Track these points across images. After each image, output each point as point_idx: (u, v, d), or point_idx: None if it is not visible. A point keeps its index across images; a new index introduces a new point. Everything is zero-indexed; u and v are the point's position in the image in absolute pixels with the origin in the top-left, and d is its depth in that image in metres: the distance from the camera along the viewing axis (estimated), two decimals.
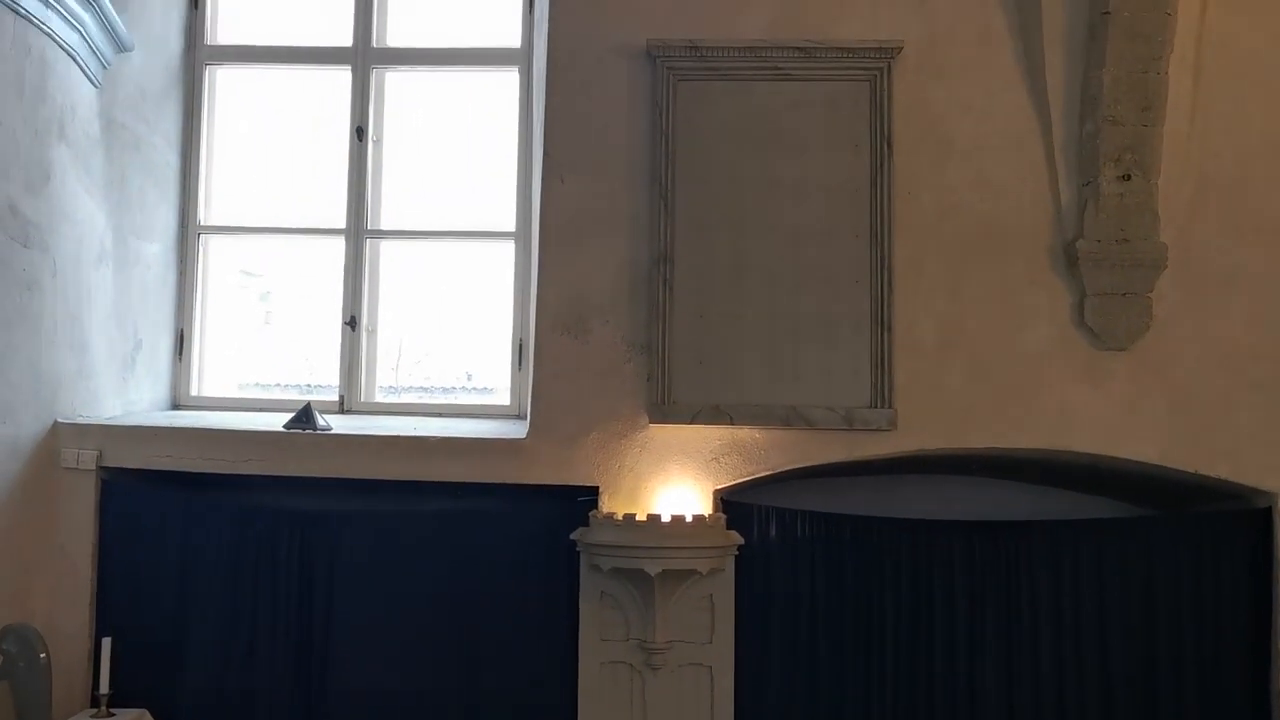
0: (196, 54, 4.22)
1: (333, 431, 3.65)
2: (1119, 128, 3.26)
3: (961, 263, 3.43)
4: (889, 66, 3.44)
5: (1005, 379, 3.40)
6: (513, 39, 4.19)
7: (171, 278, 4.16)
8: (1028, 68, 3.42)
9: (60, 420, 3.54)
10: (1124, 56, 3.23)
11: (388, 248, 4.24)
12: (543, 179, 3.59)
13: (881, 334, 3.39)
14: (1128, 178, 3.29)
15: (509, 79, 4.20)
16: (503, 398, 4.13)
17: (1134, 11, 3.19)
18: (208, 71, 4.24)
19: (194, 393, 4.19)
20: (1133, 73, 3.23)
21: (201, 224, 4.23)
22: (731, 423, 3.42)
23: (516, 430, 3.65)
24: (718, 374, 3.43)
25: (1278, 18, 3.40)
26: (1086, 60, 3.31)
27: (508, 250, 4.14)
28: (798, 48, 3.45)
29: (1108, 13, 3.21)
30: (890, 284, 3.39)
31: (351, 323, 4.12)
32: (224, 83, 4.31)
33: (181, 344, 4.17)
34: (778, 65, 3.47)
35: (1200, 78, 3.35)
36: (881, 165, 3.43)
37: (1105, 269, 3.32)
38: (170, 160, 4.13)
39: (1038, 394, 3.39)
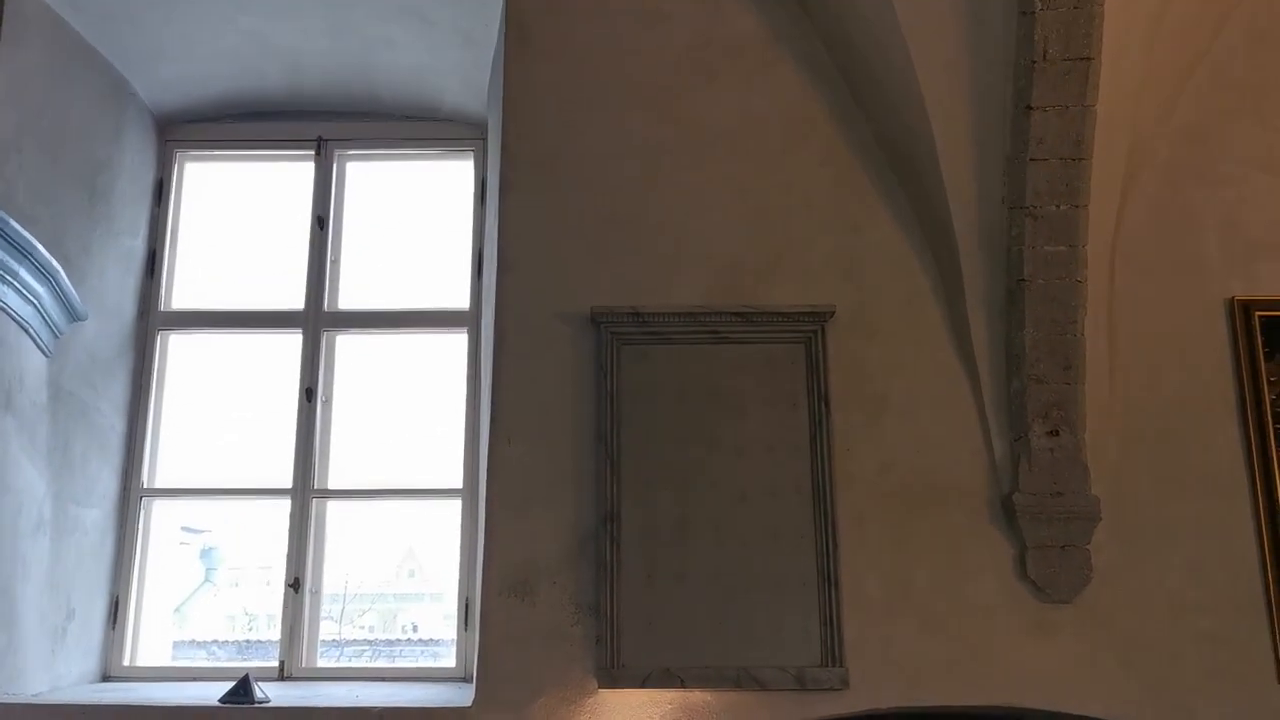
0: (150, 320, 4.32)
1: (270, 705, 3.51)
2: (1043, 385, 3.41)
3: (904, 517, 3.49)
4: (822, 329, 3.59)
5: (954, 634, 3.39)
6: (462, 301, 4.35)
7: (109, 543, 4.09)
8: (954, 328, 3.59)
9: None
10: (1041, 320, 3.41)
11: (335, 507, 4.23)
12: (489, 440, 3.64)
13: (829, 591, 3.39)
14: (1056, 433, 3.41)
15: (458, 340, 4.33)
16: (448, 658, 4.04)
17: (1048, 279, 3.40)
18: (160, 337, 4.33)
19: (126, 662, 4.05)
20: (1051, 334, 3.40)
21: (144, 487, 4.20)
22: (683, 686, 3.36)
23: (462, 697, 3.54)
24: (667, 635, 3.39)
25: (1180, 278, 3.63)
26: (1008, 322, 3.48)
27: (455, 509, 4.14)
28: (735, 312, 3.60)
29: (1024, 279, 3.41)
30: (835, 540, 3.42)
31: (295, 585, 4.05)
32: (175, 346, 4.39)
33: (115, 612, 4.06)
34: (716, 329, 3.61)
35: (1115, 338, 3.54)
36: (820, 423, 3.53)
37: (1043, 522, 3.39)
38: (116, 425, 4.14)
39: (987, 649, 3.38)
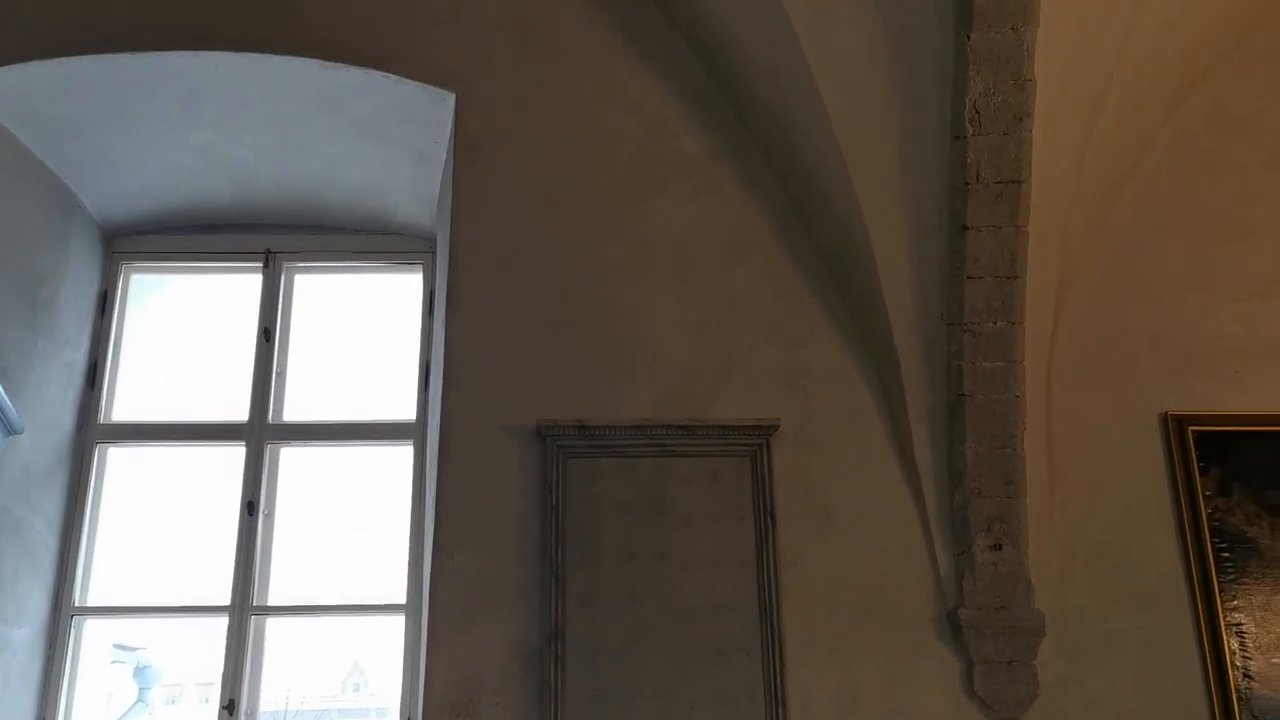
0: (88, 433, 4.25)
1: None
2: (985, 500, 3.44)
3: (852, 632, 3.47)
4: (768, 442, 3.61)
5: None
6: (409, 413, 4.32)
7: (38, 663, 3.95)
8: (897, 442, 3.63)
9: None
10: (982, 434, 3.46)
11: (276, 623, 4.13)
12: (432, 554, 3.59)
13: (777, 710, 3.34)
14: (999, 547, 3.43)
15: (404, 452, 4.29)
16: None
17: (987, 394, 3.45)
18: (98, 450, 4.26)
19: None
20: (991, 449, 3.45)
21: (75, 605, 4.08)
22: None
23: None
24: None
25: (1115, 393, 3.71)
26: (950, 436, 3.52)
27: (399, 624, 4.06)
28: (681, 426, 3.62)
29: (964, 394, 3.46)
30: (782, 657, 3.39)
31: (230, 707, 3.92)
32: (114, 459, 4.32)
33: None
34: (662, 442, 3.61)
35: (1054, 452, 3.59)
36: (766, 537, 3.52)
37: (988, 637, 3.39)
38: (49, 542, 4.04)
39: None
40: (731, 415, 3.64)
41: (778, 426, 3.62)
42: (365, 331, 4.56)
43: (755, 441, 3.62)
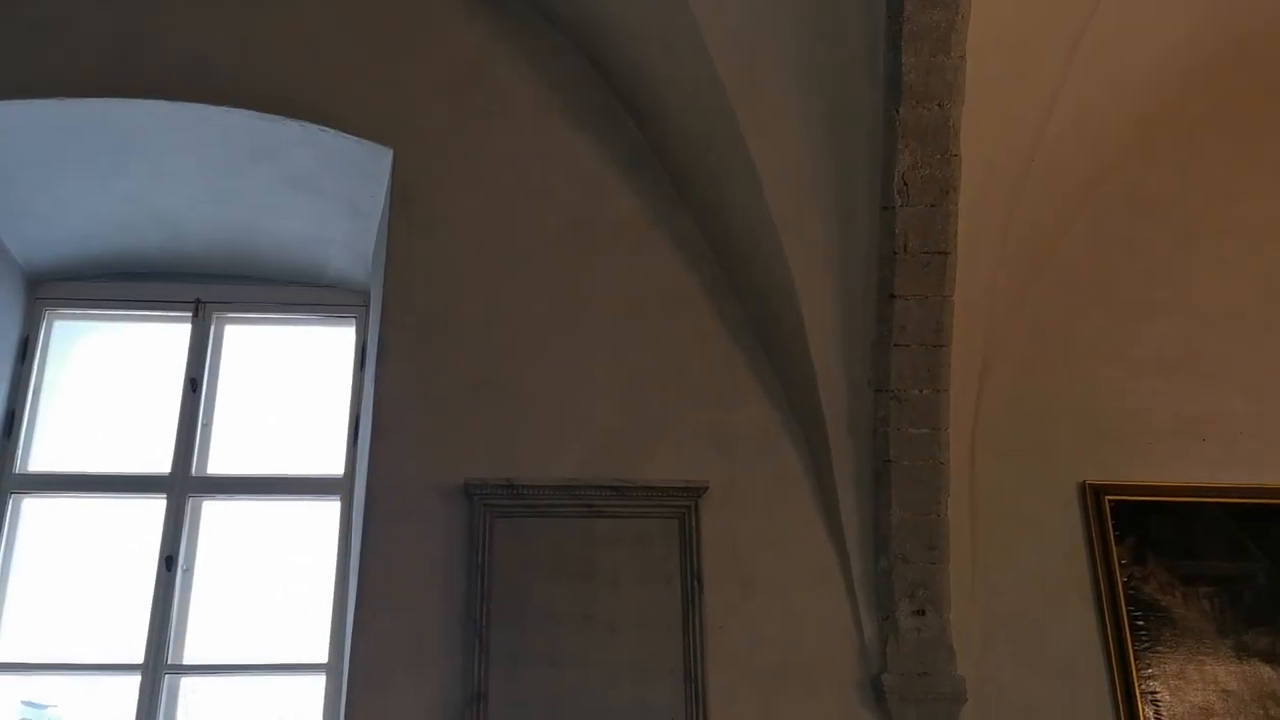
0: (3, 483, 4.13)
1: None
2: (909, 565, 3.48)
3: (776, 698, 3.46)
4: (696, 505, 3.62)
5: None
6: (337, 468, 4.27)
7: None
8: (824, 507, 3.66)
9: None
10: (907, 500, 3.50)
11: (191, 684, 4.01)
12: (354, 612, 3.53)
13: None
14: (922, 613, 3.46)
15: (331, 508, 4.23)
16: None
17: (912, 460, 3.51)
18: (12, 500, 4.14)
19: None
20: (916, 515, 3.49)
21: None
22: None
23: None
24: None
25: (1035, 462, 3.79)
26: (876, 502, 3.56)
27: (319, 684, 3.97)
28: (610, 486, 3.61)
29: (889, 460, 3.51)
30: None
31: None
32: (29, 511, 4.20)
33: None
34: (591, 502, 3.61)
35: (976, 520, 3.65)
36: (693, 600, 3.52)
37: (910, 703, 3.40)
38: None
39: None
40: (661, 477, 3.65)
41: (707, 488, 3.64)
42: (295, 384, 4.50)
43: (684, 503, 3.63)
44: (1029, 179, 3.61)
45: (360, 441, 4.09)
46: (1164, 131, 4.21)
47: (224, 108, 3.88)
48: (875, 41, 3.24)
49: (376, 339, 3.86)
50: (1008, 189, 3.56)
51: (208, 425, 4.31)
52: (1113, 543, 3.64)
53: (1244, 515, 3.69)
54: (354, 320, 4.54)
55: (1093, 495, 3.70)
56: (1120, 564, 3.62)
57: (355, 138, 3.95)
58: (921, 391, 3.50)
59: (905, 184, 3.34)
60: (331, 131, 3.95)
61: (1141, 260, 4.09)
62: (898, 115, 3.26)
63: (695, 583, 3.54)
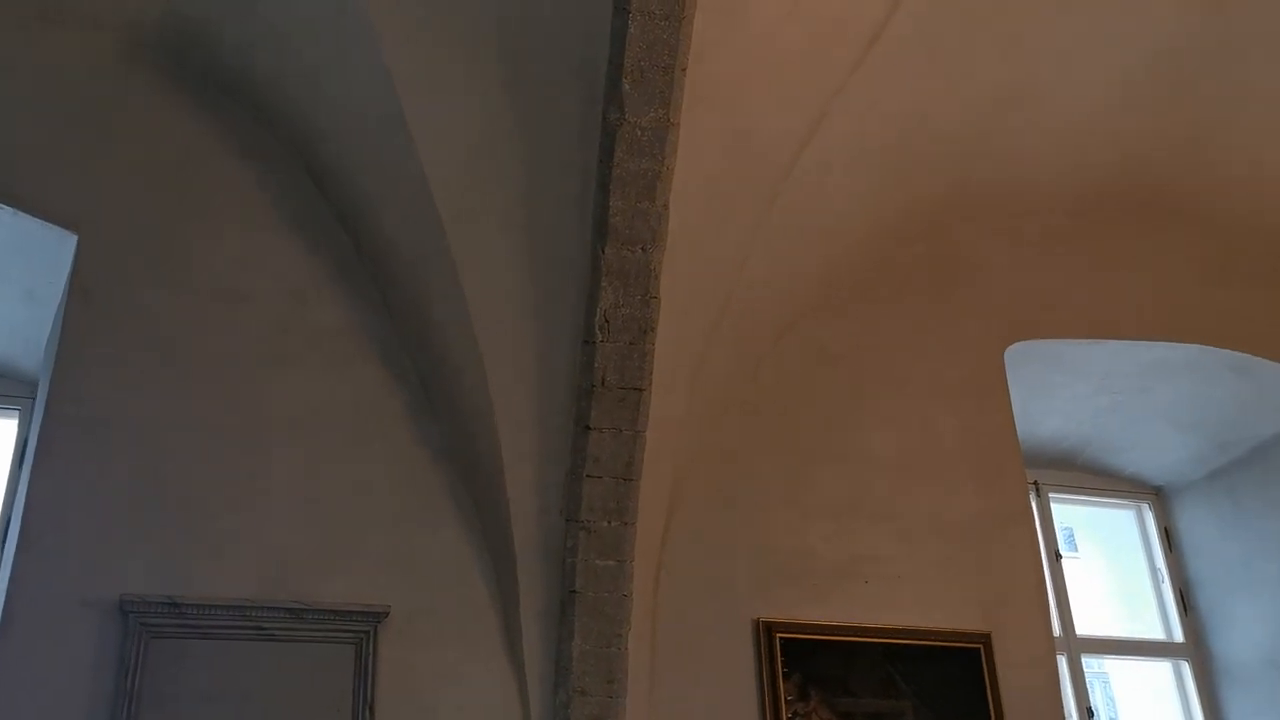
0: None
1: None
2: (587, 698, 3.47)
3: None
4: (375, 630, 3.48)
5: None
6: None
7: None
8: (508, 638, 3.60)
9: None
10: (590, 631, 3.52)
11: None
12: None
13: None
14: None
15: None
16: None
17: (597, 591, 3.54)
18: None
19: None
20: (598, 646, 3.51)
21: None
22: None
23: None
24: None
25: (714, 598, 3.88)
26: (559, 633, 3.56)
27: None
28: (286, 608, 3.43)
29: (575, 591, 3.53)
30: None
31: None
32: None
33: None
34: (263, 625, 3.40)
35: (656, 653, 3.70)
36: None
37: None
38: None
39: None
40: (340, 600, 3.49)
41: (388, 613, 3.51)
42: None
43: (362, 629, 3.48)
44: (723, 322, 3.82)
45: (7, 548, 3.70)
46: (841, 289, 4.52)
47: None
48: (587, 183, 3.37)
49: (37, 435, 3.54)
50: (703, 331, 3.75)
51: None
52: (780, 679, 3.77)
53: (895, 655, 3.94)
54: (18, 413, 4.16)
55: (765, 632, 3.84)
56: (786, 700, 3.76)
57: (39, 220, 3.69)
58: (610, 523, 3.57)
59: (607, 321, 3.45)
60: (12, 210, 3.67)
61: (821, 407, 4.34)
62: (603, 255, 3.38)
63: (368, 713, 3.39)
